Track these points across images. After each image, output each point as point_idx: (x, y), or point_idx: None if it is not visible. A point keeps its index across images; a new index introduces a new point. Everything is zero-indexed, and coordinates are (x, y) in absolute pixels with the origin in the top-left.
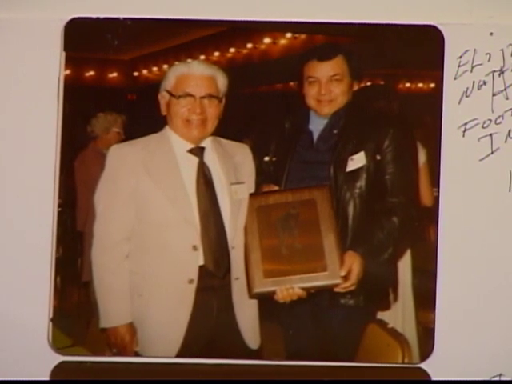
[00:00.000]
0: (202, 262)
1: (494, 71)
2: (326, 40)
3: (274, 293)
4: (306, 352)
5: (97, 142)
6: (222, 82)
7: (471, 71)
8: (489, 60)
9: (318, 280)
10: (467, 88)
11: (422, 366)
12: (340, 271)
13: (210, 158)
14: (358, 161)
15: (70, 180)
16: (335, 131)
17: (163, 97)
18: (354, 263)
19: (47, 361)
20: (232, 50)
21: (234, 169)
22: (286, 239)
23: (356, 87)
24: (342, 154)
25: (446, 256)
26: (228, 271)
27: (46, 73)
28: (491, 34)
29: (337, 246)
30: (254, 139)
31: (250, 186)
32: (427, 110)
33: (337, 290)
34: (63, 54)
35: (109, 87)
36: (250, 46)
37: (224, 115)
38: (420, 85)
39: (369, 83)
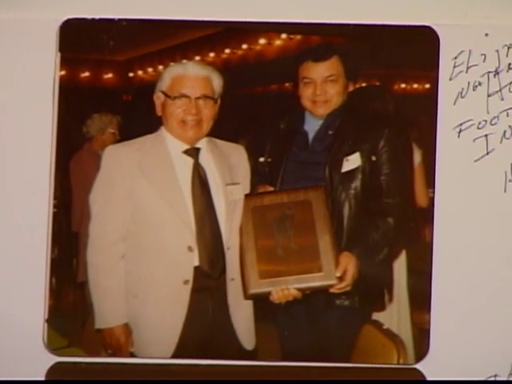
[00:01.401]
0: (197, 263)
1: (489, 72)
2: (321, 41)
3: (269, 293)
4: (302, 353)
5: (92, 142)
6: (217, 82)
7: (466, 72)
8: (484, 61)
9: (314, 281)
10: (462, 89)
11: (418, 366)
12: (335, 272)
13: (206, 159)
14: (353, 161)
15: (65, 181)
16: (330, 132)
17: (158, 97)
18: (349, 264)
19: (42, 361)
20: (227, 50)
21: (230, 169)
22: (281, 240)
23: (351, 88)
24: (338, 155)
25: (441, 257)
26: (223, 272)
27: (41, 73)
28: (486, 34)
29: (332, 247)
30: (250, 140)
31: (245, 186)
32: (422, 111)
33: (332, 290)
34: (58, 54)
35: (104, 88)
36: (245, 46)
37: (219, 116)
38: (415, 85)
39: (364, 84)
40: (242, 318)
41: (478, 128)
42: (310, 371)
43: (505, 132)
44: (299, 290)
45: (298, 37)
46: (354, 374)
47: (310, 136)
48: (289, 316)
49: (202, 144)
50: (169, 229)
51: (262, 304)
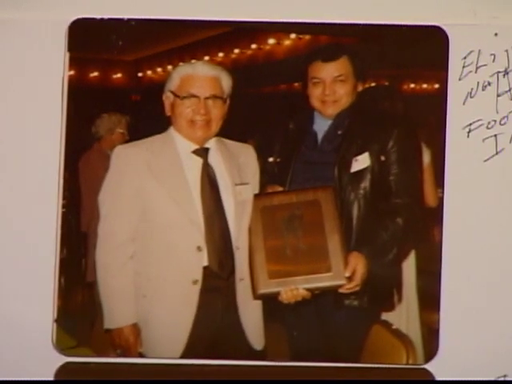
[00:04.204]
0: (206, 263)
1: (499, 72)
2: (330, 41)
3: (278, 294)
4: (311, 353)
5: (101, 142)
6: (226, 82)
7: (476, 72)
8: (493, 61)
9: (323, 281)
10: (472, 89)
11: (427, 366)
12: (344, 272)
13: (215, 159)
14: (362, 162)
15: (74, 181)
16: (339, 132)
17: (167, 97)
18: (358, 264)
19: (51, 361)
20: (236, 50)
21: (239, 169)
22: (290, 240)
23: (360, 88)
24: (347, 155)
25: (450, 257)
26: (232, 272)
27: (50, 73)
28: (496, 34)
29: (341, 247)
30: (259, 140)
31: (254, 186)
32: (432, 111)
33: (341, 290)
34: (67, 54)
35: (113, 88)
36: (254, 46)
37: (228, 116)
38: (424, 85)
39: (373, 84)
40: (251, 318)
41: (488, 128)
42: (319, 371)
43: None
44: (308, 290)
45: (307, 37)
46: (362, 374)
47: (319, 136)
48: (298, 316)
49: (211, 144)
50: (178, 229)
51: (270, 304)
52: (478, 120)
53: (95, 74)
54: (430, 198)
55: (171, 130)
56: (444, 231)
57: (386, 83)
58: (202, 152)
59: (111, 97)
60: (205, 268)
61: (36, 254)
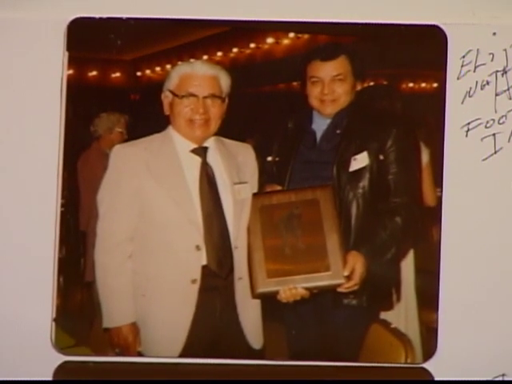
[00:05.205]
0: (205, 262)
1: (497, 71)
2: (328, 40)
3: (277, 293)
4: (309, 352)
5: (100, 141)
6: (225, 81)
7: (474, 71)
8: (492, 60)
9: (321, 280)
10: (470, 88)
11: (425, 366)
12: (343, 271)
13: (213, 158)
14: (361, 161)
15: (72, 180)
16: (338, 131)
17: (166, 97)
18: (357, 263)
19: (50, 361)
20: (235, 49)
21: (237, 169)
22: (289, 239)
23: (359, 87)
24: (345, 154)
25: (448, 256)
26: (231, 271)
27: (48, 73)
28: (494, 33)
29: (340, 246)
30: (257, 139)
31: (253, 185)
32: (430, 110)
33: (340, 289)
34: (66, 53)
35: (112, 87)
36: (252, 45)
37: (227, 115)
38: (423, 85)
39: (372, 83)
40: (250, 317)
41: (486, 127)
42: (318, 370)
43: None
44: (307, 289)
45: (306, 36)
46: (361, 374)
47: (318, 135)
48: (296, 315)
49: (210, 143)
50: (176, 228)
51: (269, 303)
52: (477, 119)
53: (94, 73)
54: (429, 197)
55: (170, 129)
56: (442, 230)
57: (385, 82)
58: (201, 151)
59: (110, 96)
60: (203, 267)
61: (35, 253)
